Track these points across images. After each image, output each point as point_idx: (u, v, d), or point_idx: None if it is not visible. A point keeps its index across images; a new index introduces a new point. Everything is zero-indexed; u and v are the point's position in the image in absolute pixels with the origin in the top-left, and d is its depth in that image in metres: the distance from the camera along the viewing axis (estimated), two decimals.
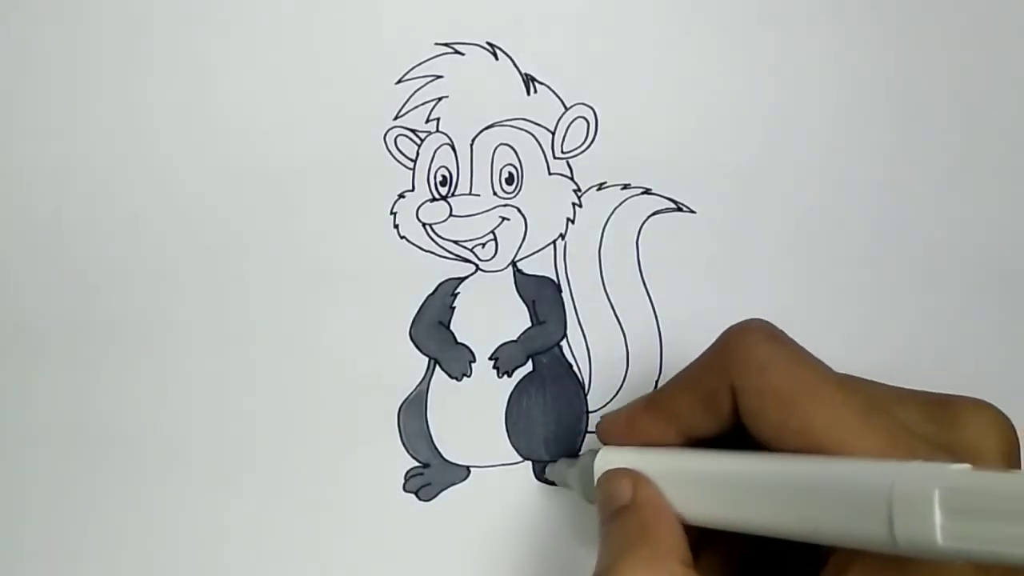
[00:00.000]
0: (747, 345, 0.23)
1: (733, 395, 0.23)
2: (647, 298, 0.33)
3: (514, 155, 0.33)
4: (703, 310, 0.32)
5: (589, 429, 0.32)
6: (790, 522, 0.21)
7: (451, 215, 0.32)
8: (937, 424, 0.23)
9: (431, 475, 0.32)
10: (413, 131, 0.33)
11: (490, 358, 0.32)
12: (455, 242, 0.33)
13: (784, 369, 0.23)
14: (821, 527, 0.20)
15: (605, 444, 0.28)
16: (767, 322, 0.24)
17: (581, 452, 0.32)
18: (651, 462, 0.25)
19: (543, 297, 0.33)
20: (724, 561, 0.23)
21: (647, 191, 0.33)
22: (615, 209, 0.33)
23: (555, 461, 0.32)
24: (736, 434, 0.24)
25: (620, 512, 0.24)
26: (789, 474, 0.21)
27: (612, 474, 0.26)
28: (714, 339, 0.25)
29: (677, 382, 0.26)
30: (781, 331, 0.24)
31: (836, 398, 0.22)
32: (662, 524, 0.24)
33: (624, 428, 0.27)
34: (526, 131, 0.33)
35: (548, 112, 0.33)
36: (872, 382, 0.25)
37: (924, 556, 0.18)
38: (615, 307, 0.33)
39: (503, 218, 0.33)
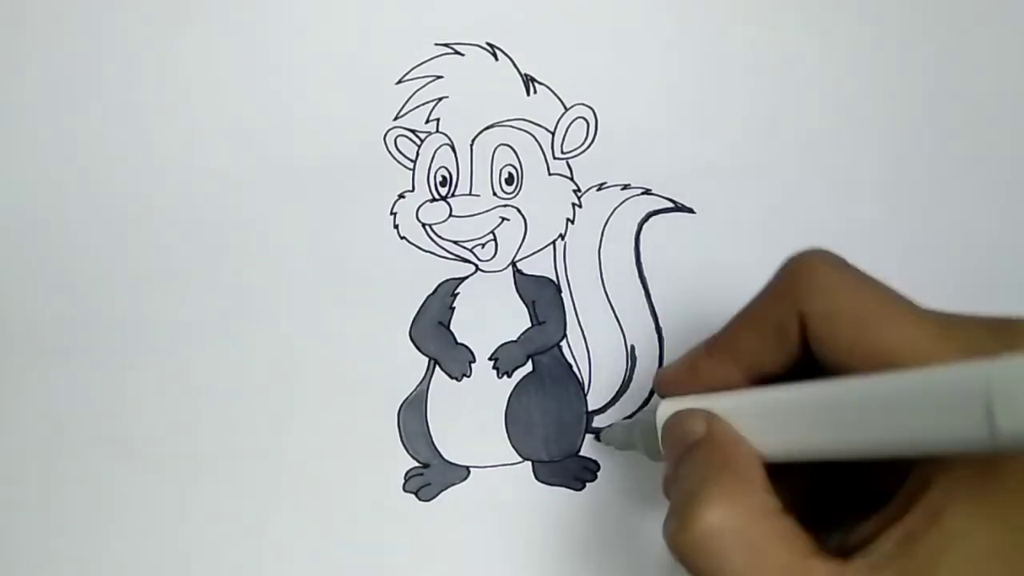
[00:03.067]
0: (812, 271, 0.23)
1: (801, 323, 0.23)
2: (647, 298, 0.33)
3: (514, 155, 0.33)
4: (703, 310, 0.32)
5: (589, 429, 0.32)
6: (877, 439, 0.20)
7: (451, 215, 0.32)
8: (1002, 342, 0.22)
9: (431, 475, 0.32)
10: (413, 131, 0.33)
11: (490, 358, 0.32)
12: (455, 242, 0.33)
13: (852, 291, 0.23)
14: (912, 437, 0.20)
15: (664, 397, 0.27)
16: (828, 250, 0.24)
17: (632, 416, 0.31)
18: (718, 404, 0.25)
19: (543, 297, 0.33)
20: (791, 501, 0.23)
21: (647, 191, 0.33)
22: (615, 209, 0.33)
23: (555, 461, 0.32)
24: (800, 370, 0.24)
25: (695, 446, 0.24)
26: (872, 389, 0.21)
27: (683, 413, 0.25)
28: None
29: (739, 320, 0.25)
30: (843, 258, 0.24)
31: (907, 317, 0.22)
32: (741, 453, 0.23)
33: (687, 375, 0.26)
34: (526, 131, 0.33)
35: (548, 112, 0.33)
36: (938, 310, 0.24)
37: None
38: (615, 307, 0.33)
39: (503, 218, 0.33)
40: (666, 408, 0.26)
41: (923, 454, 0.20)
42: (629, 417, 0.32)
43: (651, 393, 0.32)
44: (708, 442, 0.24)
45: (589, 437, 0.32)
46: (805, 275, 0.23)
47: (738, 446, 0.23)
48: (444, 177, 0.33)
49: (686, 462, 0.24)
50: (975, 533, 0.20)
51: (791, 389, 0.23)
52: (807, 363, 0.23)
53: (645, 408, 0.29)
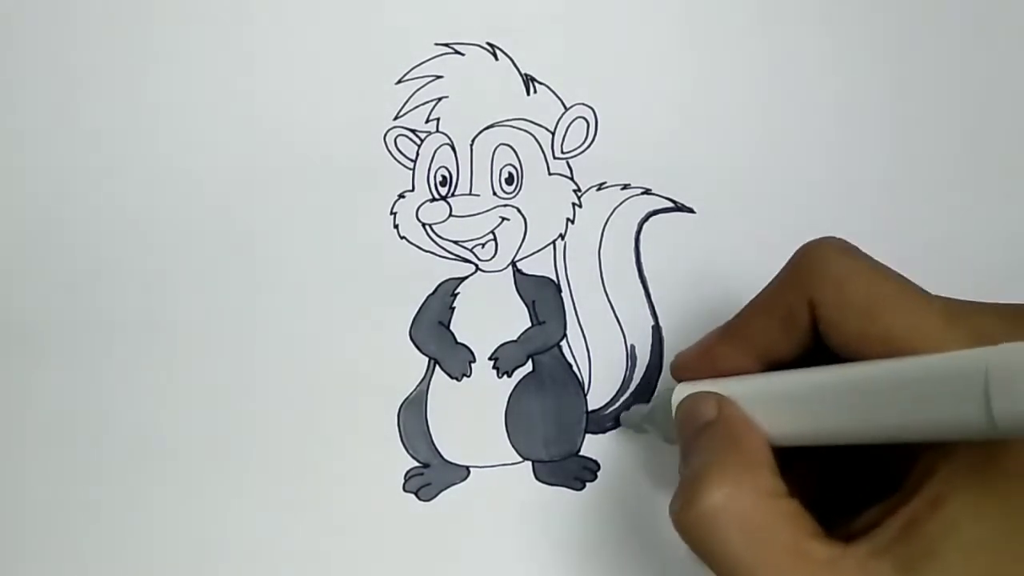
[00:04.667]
0: (824, 258, 0.23)
1: (812, 311, 0.23)
2: (647, 298, 0.33)
3: (514, 155, 0.33)
4: (703, 310, 0.32)
5: (589, 429, 0.32)
6: (882, 423, 0.21)
7: (451, 215, 0.32)
8: (1015, 329, 0.23)
9: (431, 475, 0.32)
10: (413, 131, 0.33)
11: (490, 358, 0.32)
12: (455, 242, 0.33)
13: (863, 279, 0.23)
14: (914, 422, 0.20)
15: (680, 381, 0.27)
16: (840, 238, 0.24)
17: (654, 396, 0.31)
18: (731, 388, 0.25)
19: (543, 297, 0.33)
20: (801, 487, 0.23)
21: (647, 191, 0.33)
22: (615, 209, 0.33)
23: (555, 460, 0.32)
24: (812, 357, 0.24)
25: (706, 427, 0.24)
26: (877, 375, 0.21)
27: (695, 395, 0.26)
28: None
29: (752, 307, 0.26)
30: (854, 245, 0.24)
31: (918, 305, 0.22)
32: (751, 435, 0.23)
33: (700, 360, 0.27)
34: (526, 131, 0.33)
35: (548, 112, 0.33)
36: (947, 297, 0.25)
37: (1021, 432, 0.18)
38: (615, 307, 0.33)
39: (503, 218, 0.33)
40: (681, 391, 0.26)
41: (926, 439, 0.20)
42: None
43: (651, 393, 0.32)
44: (718, 424, 0.24)
45: (589, 437, 0.32)
46: (816, 263, 0.24)
47: (747, 428, 0.24)
48: (444, 177, 0.33)
49: (696, 443, 0.24)
50: (976, 520, 0.20)
51: (800, 375, 0.23)
52: (819, 350, 0.24)
53: (661, 392, 0.29)
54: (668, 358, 0.32)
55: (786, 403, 0.23)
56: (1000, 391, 0.18)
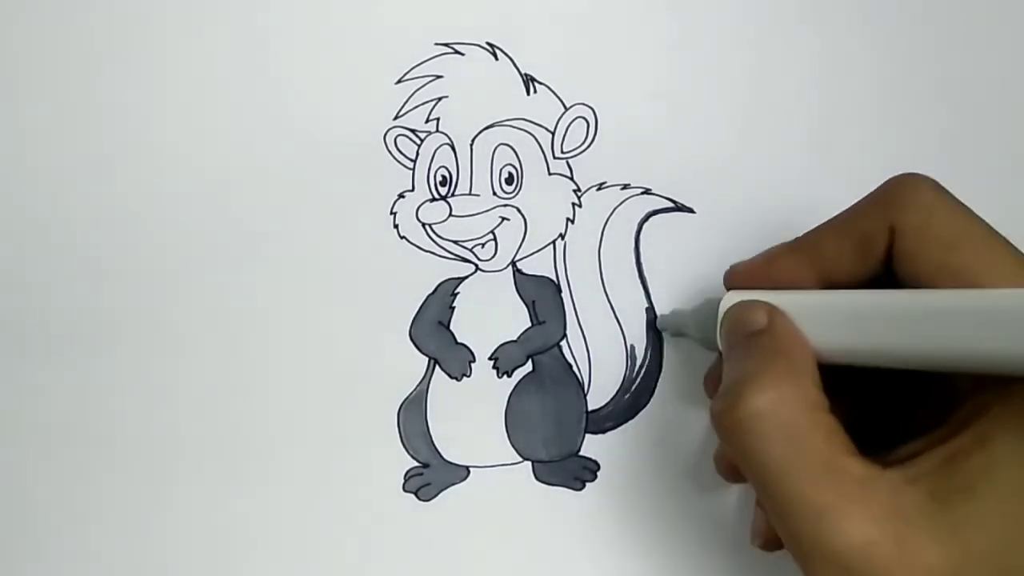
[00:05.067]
0: (914, 188, 0.24)
1: (891, 237, 0.24)
2: (647, 298, 0.33)
3: (514, 155, 0.33)
4: None
5: (589, 429, 0.32)
6: (946, 347, 0.21)
7: (451, 215, 0.32)
8: None
9: (431, 475, 0.32)
10: (413, 131, 0.33)
11: (490, 358, 0.32)
12: (455, 242, 0.33)
13: (948, 213, 0.23)
14: (981, 351, 0.20)
15: (732, 288, 0.27)
16: (928, 175, 0.24)
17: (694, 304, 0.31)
18: (785, 300, 0.25)
19: (543, 297, 0.33)
20: (842, 417, 0.23)
21: (647, 191, 0.33)
22: (615, 209, 0.33)
23: (555, 460, 0.32)
24: (869, 287, 0.24)
25: (755, 335, 0.24)
26: (949, 300, 0.21)
27: (746, 303, 0.26)
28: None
29: (828, 225, 0.26)
30: (942, 185, 0.24)
31: (998, 244, 0.23)
32: (800, 347, 0.23)
33: (761, 267, 0.27)
34: (526, 131, 0.33)
35: (548, 112, 0.33)
36: None
37: None
38: (615, 307, 0.33)
39: (503, 218, 0.33)
40: (730, 298, 0.26)
41: (988, 370, 0.20)
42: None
43: (651, 393, 0.32)
44: (767, 333, 0.24)
45: (589, 437, 0.32)
46: (905, 192, 0.24)
47: (796, 340, 0.24)
48: (444, 177, 0.33)
49: (743, 349, 0.24)
50: (1020, 465, 0.20)
51: (861, 293, 0.24)
52: (878, 283, 0.24)
53: (708, 298, 0.29)
54: (668, 358, 0.32)
55: (846, 318, 0.23)
56: None
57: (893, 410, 0.25)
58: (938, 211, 0.23)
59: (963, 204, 0.24)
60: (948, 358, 0.21)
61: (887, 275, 0.24)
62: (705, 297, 0.29)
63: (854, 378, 0.24)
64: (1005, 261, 0.22)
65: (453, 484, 0.32)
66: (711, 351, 0.28)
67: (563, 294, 0.33)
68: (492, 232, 0.33)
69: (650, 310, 0.32)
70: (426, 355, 0.32)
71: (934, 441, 0.22)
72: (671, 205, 0.33)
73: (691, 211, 0.33)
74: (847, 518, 0.21)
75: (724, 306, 0.27)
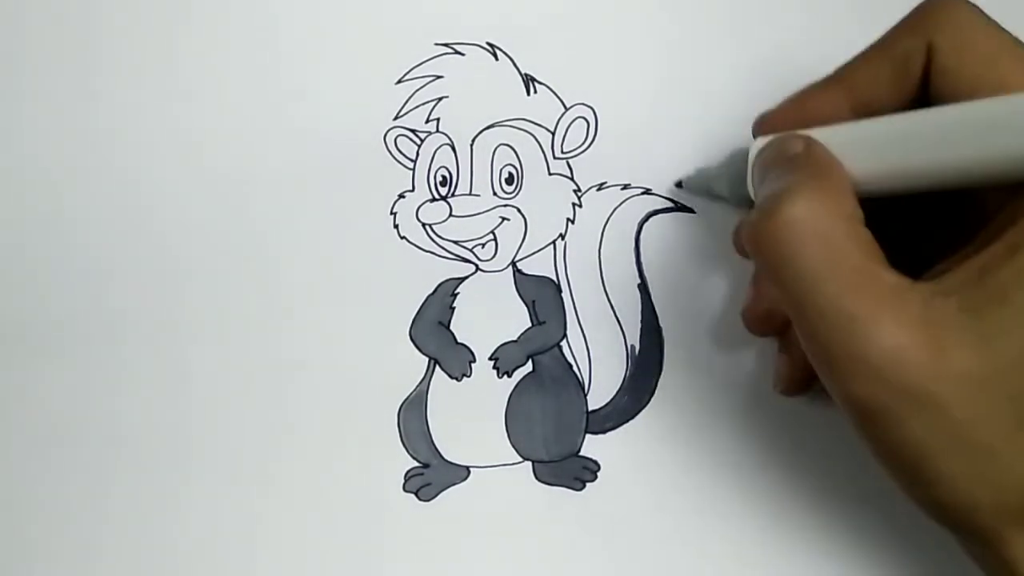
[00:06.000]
0: (948, 8, 0.24)
1: (928, 56, 0.24)
2: (647, 298, 0.33)
3: (514, 155, 0.33)
4: (703, 310, 0.32)
5: (589, 429, 0.32)
6: (989, 156, 0.21)
7: (451, 215, 0.32)
8: None
9: (431, 475, 0.32)
10: (413, 131, 0.33)
11: (490, 358, 0.32)
12: (455, 242, 0.33)
13: (985, 29, 0.23)
14: (1015, 154, 0.20)
15: (761, 135, 0.27)
16: None
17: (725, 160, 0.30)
18: (821, 133, 0.24)
19: (543, 297, 0.33)
20: (879, 242, 0.23)
21: (647, 191, 0.33)
22: (615, 209, 0.33)
23: (555, 461, 0.32)
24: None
25: (793, 158, 0.24)
26: (984, 108, 0.21)
27: (781, 136, 0.25)
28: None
29: (865, 53, 0.26)
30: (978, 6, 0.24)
31: None
32: (837, 167, 0.23)
33: (792, 110, 0.27)
34: (526, 131, 0.33)
35: (548, 112, 0.33)
36: None
37: None
38: (615, 307, 0.33)
39: (503, 218, 0.33)
40: (760, 142, 0.26)
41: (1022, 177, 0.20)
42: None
43: (651, 393, 0.32)
44: (805, 155, 0.24)
45: (589, 437, 0.32)
46: (941, 9, 0.24)
47: (833, 162, 0.23)
48: (444, 177, 0.33)
49: (777, 170, 0.24)
50: None
51: (899, 116, 0.23)
52: (918, 107, 0.24)
53: (736, 150, 0.29)
54: (668, 358, 0.32)
55: (883, 142, 0.23)
56: None
57: (928, 238, 0.25)
58: (975, 28, 0.23)
59: (997, 23, 0.24)
60: (986, 167, 0.21)
61: (923, 100, 0.24)
62: (731, 151, 0.28)
63: (888, 210, 0.24)
64: None
65: (453, 484, 0.32)
66: (741, 208, 0.27)
67: (563, 294, 0.33)
68: (492, 232, 0.33)
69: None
70: (426, 355, 0.32)
71: (966, 255, 0.22)
72: (671, 205, 0.33)
73: (691, 211, 0.33)
74: (878, 325, 0.20)
75: (754, 151, 0.26)
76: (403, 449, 0.32)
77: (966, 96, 0.23)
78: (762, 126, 0.27)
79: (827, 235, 0.22)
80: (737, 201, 0.28)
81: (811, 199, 0.22)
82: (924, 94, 0.24)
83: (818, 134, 0.25)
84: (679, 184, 0.32)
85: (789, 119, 0.26)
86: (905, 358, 0.20)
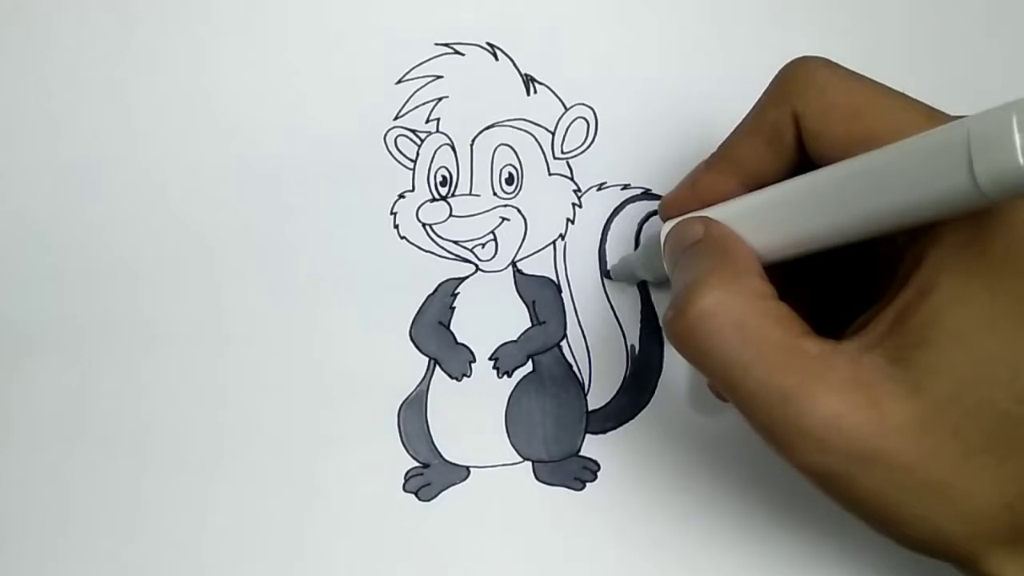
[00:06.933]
0: (805, 70, 0.24)
1: (796, 124, 0.24)
2: (647, 298, 0.33)
3: (514, 155, 0.33)
4: None
5: (589, 429, 0.32)
6: (869, 211, 0.21)
7: (451, 215, 0.32)
8: None
9: (431, 475, 0.32)
10: (413, 131, 0.33)
11: (490, 358, 0.32)
12: (455, 242, 0.33)
13: (844, 84, 0.23)
14: (901, 203, 0.20)
15: (667, 219, 0.27)
16: (819, 55, 0.24)
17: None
18: (716, 212, 0.25)
19: (543, 297, 0.33)
20: (799, 309, 0.23)
21: (647, 191, 0.33)
22: (615, 209, 0.33)
23: (555, 460, 0.32)
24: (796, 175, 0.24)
25: (694, 244, 0.24)
26: (861, 165, 0.21)
27: (681, 221, 0.26)
28: None
29: (737, 131, 0.26)
30: (833, 61, 0.24)
31: (899, 104, 0.23)
32: (738, 246, 0.24)
33: (687, 192, 0.27)
34: (526, 131, 0.33)
35: (548, 112, 0.33)
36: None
37: (1009, 192, 0.18)
38: (615, 307, 0.33)
39: (503, 218, 0.33)
40: (667, 227, 0.27)
41: (914, 222, 0.20)
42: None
43: (651, 393, 0.32)
44: (706, 241, 0.24)
45: (589, 437, 0.32)
46: (798, 76, 0.24)
47: (734, 241, 0.24)
48: (444, 177, 0.33)
49: (684, 260, 0.24)
50: (963, 304, 0.20)
51: (783, 184, 0.24)
52: (803, 169, 0.24)
53: (649, 234, 0.29)
54: (668, 358, 0.32)
55: (772, 212, 0.24)
56: (980, 151, 0.18)
57: (845, 291, 0.25)
58: (834, 87, 0.23)
59: (858, 74, 0.24)
60: (871, 221, 0.21)
61: (807, 162, 0.24)
62: (645, 238, 0.29)
63: (803, 273, 0.24)
64: (905, 116, 0.22)
65: (453, 484, 0.32)
66: (663, 287, 0.27)
67: (563, 294, 0.33)
68: (492, 232, 0.33)
69: (646, 303, 0.32)
70: (426, 355, 0.32)
71: (881, 306, 0.22)
72: None
73: None
74: (811, 396, 0.21)
75: (663, 235, 0.27)
76: (403, 449, 0.32)
77: (840, 155, 0.23)
78: (665, 210, 0.28)
79: (741, 320, 0.22)
80: (659, 280, 0.29)
81: (719, 288, 0.22)
82: (805, 157, 0.24)
83: (716, 212, 0.25)
84: (608, 276, 0.32)
85: (688, 201, 0.27)
86: (844, 424, 0.20)
